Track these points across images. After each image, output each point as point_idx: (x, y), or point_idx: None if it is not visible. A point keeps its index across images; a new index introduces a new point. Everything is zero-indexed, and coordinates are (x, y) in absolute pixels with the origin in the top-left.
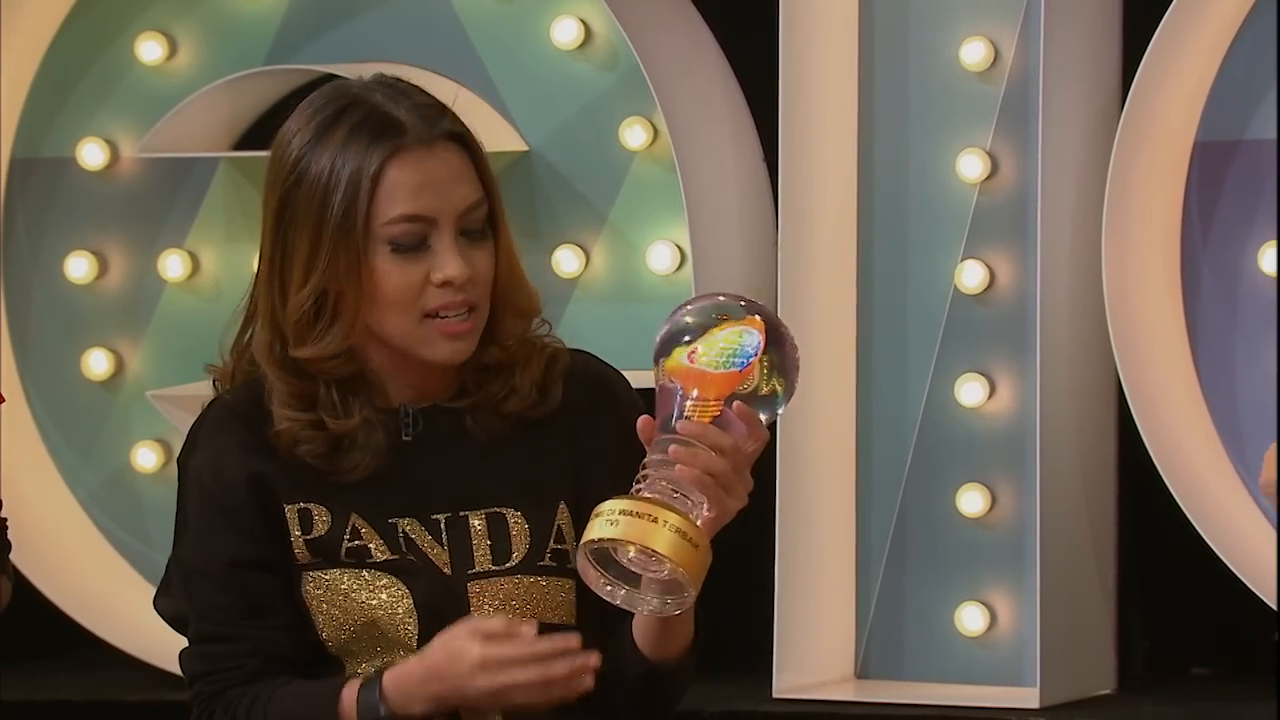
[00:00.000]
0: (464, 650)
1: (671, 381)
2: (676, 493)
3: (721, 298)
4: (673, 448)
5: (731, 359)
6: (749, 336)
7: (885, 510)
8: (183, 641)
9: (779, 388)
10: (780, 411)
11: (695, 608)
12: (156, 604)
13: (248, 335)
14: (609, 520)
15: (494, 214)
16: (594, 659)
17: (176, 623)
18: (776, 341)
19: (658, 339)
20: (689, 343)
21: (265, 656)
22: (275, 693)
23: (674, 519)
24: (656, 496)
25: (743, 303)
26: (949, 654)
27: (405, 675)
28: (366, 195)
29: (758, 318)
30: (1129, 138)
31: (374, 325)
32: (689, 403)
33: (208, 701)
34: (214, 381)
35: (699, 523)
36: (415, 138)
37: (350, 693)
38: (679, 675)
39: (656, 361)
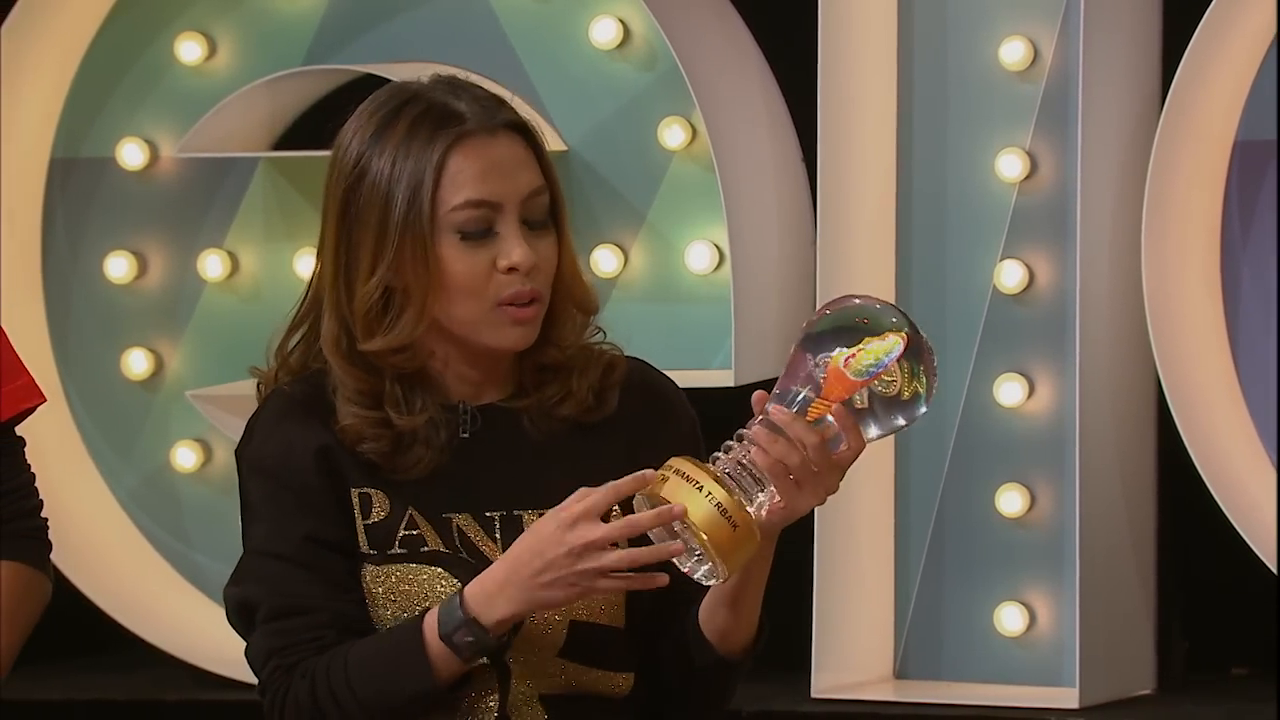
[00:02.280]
0: (552, 539)
1: (815, 371)
2: (746, 472)
3: (894, 318)
4: (756, 428)
5: (867, 369)
6: (891, 351)
7: (924, 510)
8: (233, 639)
9: (920, 390)
10: (921, 412)
11: (760, 608)
12: (226, 592)
13: (292, 342)
14: (662, 475)
15: (556, 205)
16: (675, 547)
17: (243, 609)
18: (916, 349)
19: (824, 321)
20: (849, 346)
21: (342, 629)
22: (356, 642)
23: (719, 493)
24: (722, 469)
25: (894, 317)
26: (988, 654)
27: (487, 578)
28: (431, 183)
29: (903, 329)
30: (1169, 137)
31: (441, 315)
32: (810, 395)
33: (284, 675)
34: (259, 385)
35: (763, 510)
36: (477, 125)
37: (432, 614)
38: (740, 669)
39: (809, 339)
